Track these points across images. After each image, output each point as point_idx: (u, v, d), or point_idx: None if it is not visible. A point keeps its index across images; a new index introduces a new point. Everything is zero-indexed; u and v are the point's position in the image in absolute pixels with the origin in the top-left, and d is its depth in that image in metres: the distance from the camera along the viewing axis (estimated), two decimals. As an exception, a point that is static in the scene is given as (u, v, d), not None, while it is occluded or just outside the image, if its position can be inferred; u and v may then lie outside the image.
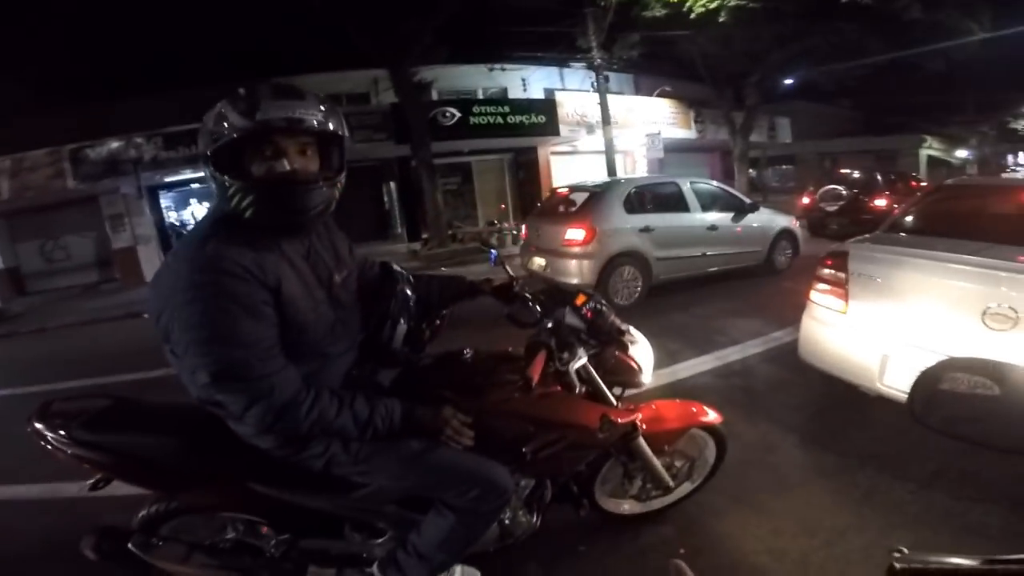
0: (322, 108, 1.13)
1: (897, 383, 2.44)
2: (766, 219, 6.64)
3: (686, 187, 6.17)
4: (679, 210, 6.01)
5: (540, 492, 1.66)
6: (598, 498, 1.90)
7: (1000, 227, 2.64)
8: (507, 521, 1.57)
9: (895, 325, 2.49)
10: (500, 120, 13.11)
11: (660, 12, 10.73)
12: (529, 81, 15.03)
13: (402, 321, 1.37)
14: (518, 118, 13.31)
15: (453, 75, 14.24)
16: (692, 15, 10.48)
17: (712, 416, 1.91)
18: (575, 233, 5.41)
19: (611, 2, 10.79)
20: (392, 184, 13.80)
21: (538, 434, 1.47)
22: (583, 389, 1.59)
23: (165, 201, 13.48)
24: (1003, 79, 17.03)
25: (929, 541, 1.86)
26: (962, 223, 2.80)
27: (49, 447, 1.26)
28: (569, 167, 14.99)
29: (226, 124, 1.07)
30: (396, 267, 1.52)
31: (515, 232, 11.93)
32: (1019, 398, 0.72)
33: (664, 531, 2.01)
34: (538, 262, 5.94)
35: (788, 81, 15.29)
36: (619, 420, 1.59)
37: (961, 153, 22.27)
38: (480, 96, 14.78)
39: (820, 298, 2.87)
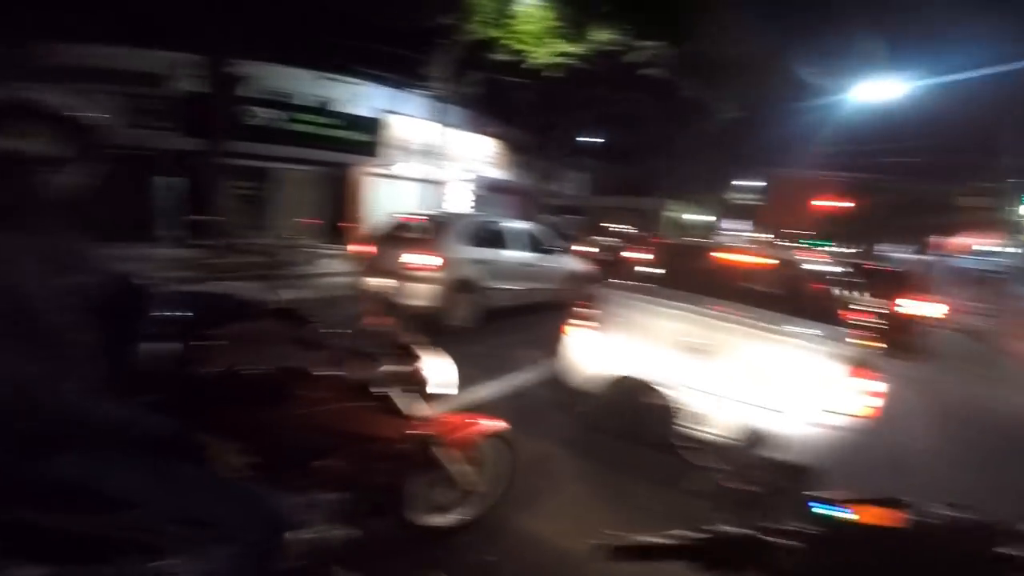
0: (70, 92, 1.10)
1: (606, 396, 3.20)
2: (569, 262, 8.10)
3: (516, 227, 7.23)
4: (508, 247, 6.88)
5: (349, 505, 1.65)
6: (409, 512, 1.96)
7: (702, 279, 3.61)
8: (314, 535, 1.53)
9: (628, 354, 3.21)
10: (320, 132, 12.46)
11: (504, 57, 11.61)
12: (360, 98, 14.58)
13: (147, 341, 1.30)
14: (341, 133, 12.80)
15: (279, 76, 12.96)
16: (529, 67, 11.58)
17: (500, 426, 2.16)
18: (428, 259, 5.78)
19: (464, 39, 11.36)
20: (166, 179, 11.67)
21: (334, 447, 1.50)
22: (382, 403, 1.67)
23: None
24: (730, 156, 22.73)
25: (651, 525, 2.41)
26: (678, 274, 3.74)
27: None
28: (384, 191, 14.81)
29: None
30: (141, 283, 1.42)
31: (316, 250, 11.24)
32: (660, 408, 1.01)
33: (472, 541, 2.16)
34: (383, 283, 6.07)
35: (589, 139, 18.09)
36: (417, 431, 1.70)
37: (692, 216, 29.07)
38: (304, 103, 13.72)
39: (576, 330, 3.51)
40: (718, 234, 27.69)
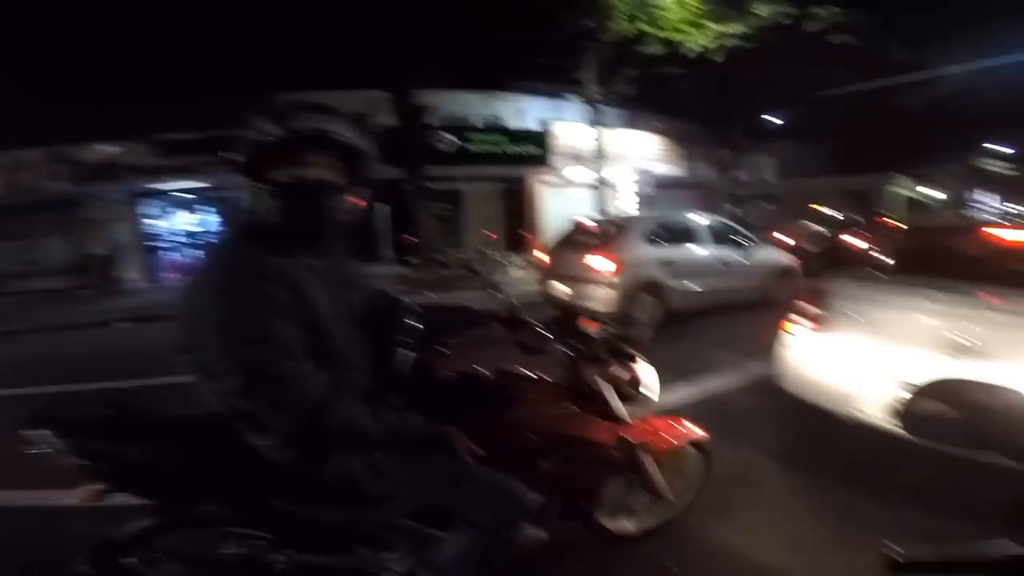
0: (348, 124, 1.22)
1: (873, 410, 2.54)
2: (769, 256, 7.09)
3: (701, 223, 6.63)
4: (694, 244, 6.41)
5: (549, 507, 1.67)
6: (600, 517, 1.94)
7: (962, 265, 2.84)
8: (514, 539, 1.56)
9: (870, 357, 2.62)
10: (495, 148, 13.33)
11: (658, 50, 11.21)
12: (524, 111, 15.38)
13: (406, 349, 1.41)
14: (512, 147, 13.56)
15: (451, 101, 14.47)
16: (690, 55, 10.96)
17: (700, 433, 2.02)
18: (602, 263, 5.72)
19: (611, 39, 11.20)
20: (384, 207, 13.86)
21: (554, 450, 1.52)
22: (595, 407, 1.67)
23: (151, 209, 13.29)
24: (973, 120, 17.83)
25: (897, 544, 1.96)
26: (930, 262, 2.98)
27: (54, 455, 1.21)
28: (558, 198, 15.21)
29: (262, 132, 1.15)
30: (402, 297, 1.57)
31: (503, 261, 12.05)
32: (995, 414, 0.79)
33: (655, 549, 2.05)
34: (561, 289, 6.20)
35: (775, 121, 16.02)
36: (631, 437, 1.66)
37: (932, 192, 23.20)
38: (477, 124, 15.05)
39: (801, 331, 3.00)
40: (970, 211, 21.68)
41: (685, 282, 6.06)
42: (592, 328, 1.71)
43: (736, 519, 2.26)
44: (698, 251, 6.34)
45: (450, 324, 1.67)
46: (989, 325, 2.30)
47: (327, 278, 1.28)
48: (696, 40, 10.70)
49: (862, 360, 2.64)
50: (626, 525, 2.04)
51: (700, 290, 6.21)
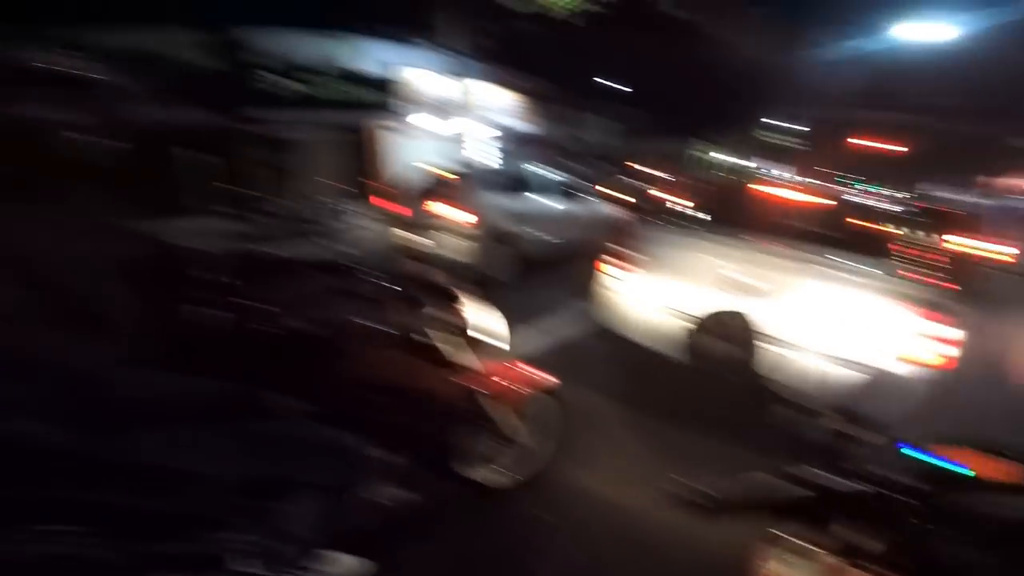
0: (87, 58, 0.99)
1: (667, 343, 3.04)
2: (603, 208, 7.85)
3: (551, 178, 7.08)
4: (541, 196, 6.77)
5: (403, 465, 1.62)
6: (463, 470, 1.93)
7: (756, 219, 3.41)
8: (381, 500, 1.51)
9: (669, 295, 3.07)
10: (336, 94, 12.30)
11: (527, 8, 11.05)
12: (372, 56, 14.10)
13: (209, 305, 1.30)
14: (356, 93, 12.58)
15: (287, 43, 12.66)
16: (558, 16, 11.01)
17: (549, 380, 2.09)
18: (462, 214, 5.75)
19: None
20: (191, 154, 11.79)
21: (396, 404, 1.47)
22: (428, 352, 1.63)
23: None
24: (757, 93, 21.42)
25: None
26: (729, 214, 3.53)
27: None
28: (403, 147, 14.56)
29: None
30: (183, 247, 1.43)
31: (347, 210, 11.29)
32: (754, 347, 0.93)
33: (527, 498, 2.14)
34: (418, 240, 6.08)
35: (616, 86, 17.23)
36: (475, 386, 1.64)
37: (725, 158, 27.88)
38: (318, 67, 13.40)
39: (615, 273, 3.36)
40: (756, 174, 26.49)
41: (534, 232, 6.40)
42: (420, 269, 1.72)
43: (596, 464, 2.48)
44: (547, 203, 6.74)
45: (270, 277, 1.53)
46: (767, 267, 2.82)
47: (77, 231, 1.08)
48: (565, 2, 10.82)
49: (661, 298, 3.07)
50: (496, 479, 2.06)
51: (547, 239, 6.64)
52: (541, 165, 8.76)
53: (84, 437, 1.10)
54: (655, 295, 3.13)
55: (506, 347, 1.85)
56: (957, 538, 0.64)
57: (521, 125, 17.34)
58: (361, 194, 13.25)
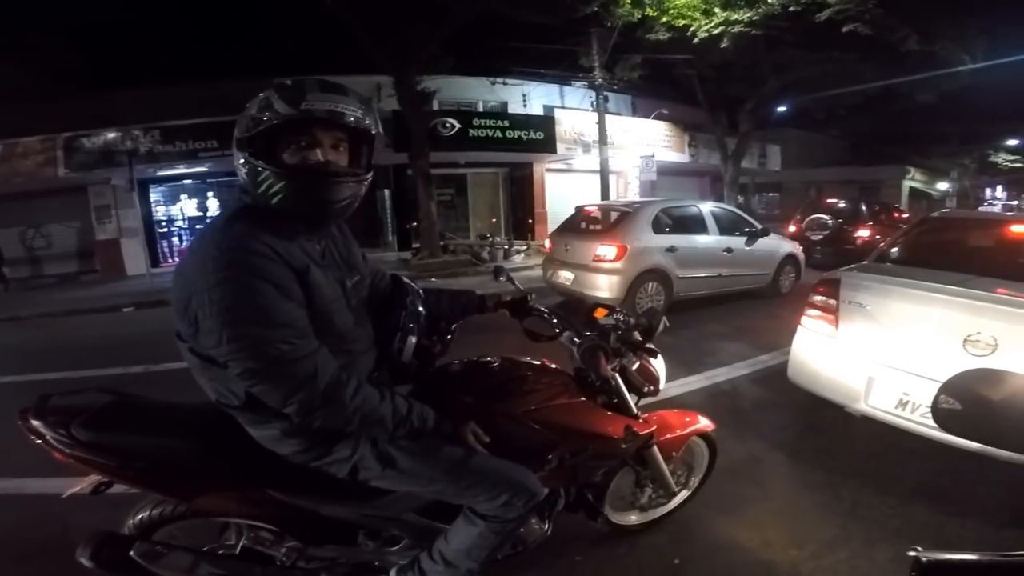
0: (362, 105, 1.15)
1: (882, 404, 2.55)
2: (774, 244, 7.00)
3: (706, 210, 6.53)
4: (700, 232, 6.32)
5: (554, 500, 1.67)
6: (608, 510, 1.92)
7: (979, 259, 2.82)
8: (521, 529, 1.55)
9: (881, 349, 2.61)
10: (498, 134, 13.21)
11: (664, 35, 11.02)
12: (529, 97, 15.25)
13: (411, 335, 1.35)
14: (516, 133, 13.44)
15: (455, 86, 14.38)
16: (695, 40, 10.78)
17: (707, 424, 2.00)
18: (607, 250, 5.66)
19: (617, 24, 11.01)
20: (386, 191, 13.81)
21: (564, 443, 1.48)
22: (605, 399, 1.64)
23: (154, 195, 13.29)
24: (986, 112, 17.53)
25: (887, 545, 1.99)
26: (945, 255, 2.95)
27: (47, 446, 1.17)
28: (562, 185, 15.15)
29: (269, 111, 1.07)
30: (407, 280, 1.51)
31: (507, 247, 11.99)
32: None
33: (658, 541, 2.05)
34: (565, 276, 6.14)
35: (781, 109, 15.80)
36: (641, 430, 1.64)
37: (942, 185, 22.97)
38: (480, 109, 14.92)
39: (811, 323, 2.98)
40: (984, 205, 21.46)
41: (689, 270, 6.02)
42: (604, 317, 1.67)
43: (741, 513, 2.25)
44: (702, 239, 6.28)
45: (455, 310, 1.63)
46: (1004, 318, 2.29)
47: (327, 261, 1.24)
48: (703, 26, 10.52)
49: (875, 354, 2.63)
50: (630, 517, 2.03)
51: (704, 277, 6.19)
52: (699, 198, 8.26)
53: (308, 446, 1.20)
54: (855, 347, 2.72)
55: (661, 389, 1.79)
56: None
57: (677, 157, 16.81)
58: (522, 231, 14.16)
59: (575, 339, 1.63)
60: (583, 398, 1.59)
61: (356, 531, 1.43)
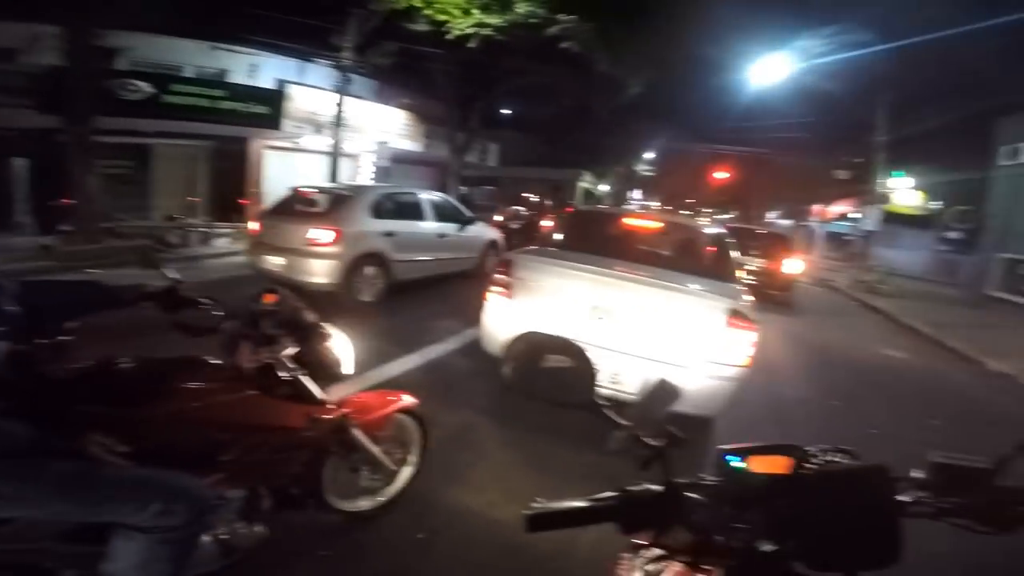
0: None
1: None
2: (480, 231, 8.01)
3: (424, 198, 6.97)
4: (417, 218, 6.68)
5: (256, 501, 1.59)
6: (331, 500, 1.89)
7: (609, 244, 3.87)
8: (225, 536, 1.47)
9: (538, 316, 3.34)
10: (206, 103, 11.35)
11: (423, 27, 11.05)
12: (260, 68, 13.36)
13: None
14: (232, 104, 11.74)
15: (159, 46, 11.63)
16: (448, 36, 11.14)
17: (410, 400, 2.13)
18: (321, 233, 5.46)
19: (382, 8, 10.71)
20: (21, 161, 10.01)
21: (235, 441, 1.41)
22: (285, 389, 1.58)
23: None
24: (636, 130, 23.54)
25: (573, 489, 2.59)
26: (586, 240, 3.95)
27: None
28: (284, 165, 13.76)
29: None
30: None
31: (205, 229, 10.28)
32: (583, 368, 1.02)
33: (400, 520, 2.14)
34: (275, 261, 5.68)
35: (505, 111, 17.88)
36: (326, 416, 1.64)
37: (604, 187, 30.18)
38: (189, 75, 12.37)
39: (493, 297, 3.57)
40: (627, 204, 29.07)
41: (407, 253, 6.34)
42: (271, 303, 1.58)
43: (465, 479, 2.53)
44: (420, 224, 6.70)
45: (72, 305, 1.39)
46: (614, 288, 3.18)
47: None
48: (462, 25, 11.01)
49: (529, 320, 3.32)
50: (363, 503, 2.06)
51: (421, 260, 6.62)
52: (428, 187, 8.78)
53: None
54: (520, 316, 3.38)
55: (351, 372, 1.82)
56: (747, 529, 0.73)
57: (412, 146, 17.32)
58: (232, 213, 12.23)
59: (236, 330, 1.53)
60: (258, 391, 1.52)
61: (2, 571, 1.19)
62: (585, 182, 26.04)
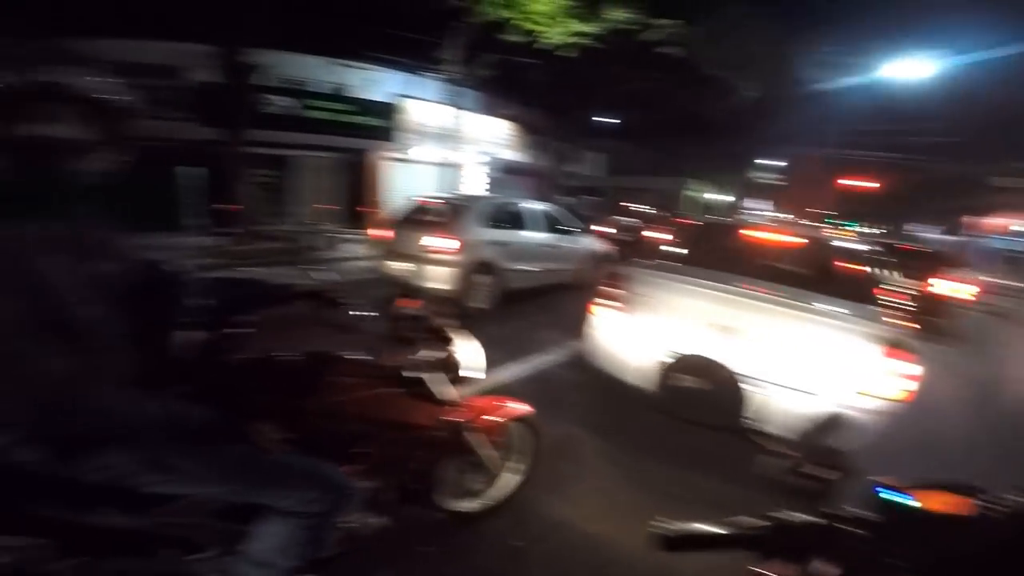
0: (97, 74, 1.05)
1: (647, 381, 3.10)
2: (590, 242, 8.04)
3: (536, 208, 7.15)
4: (529, 228, 6.84)
5: (382, 494, 1.66)
6: (440, 499, 1.96)
7: (734, 259, 3.55)
8: (352, 524, 1.54)
9: (656, 333, 3.14)
10: (337, 117, 12.49)
11: (519, 39, 11.42)
12: (375, 83, 14.59)
13: (183, 329, 1.26)
14: (357, 118, 12.82)
15: (289, 63, 13.05)
16: (547, 46, 11.37)
17: (526, 409, 2.16)
18: (442, 242, 5.77)
19: (477, 21, 11.15)
20: (194, 170, 11.86)
21: (373, 435, 1.49)
22: (416, 388, 1.66)
23: None
24: (752, 136, 21.94)
25: (686, 512, 2.44)
26: (708, 255, 3.67)
27: None
28: (401, 175, 14.81)
29: None
30: (175, 269, 1.39)
31: (337, 235, 11.34)
32: (731, 391, 0.98)
33: (500, 526, 2.17)
34: (400, 267, 6.10)
35: (611, 120, 17.71)
36: (453, 417, 1.70)
37: (718, 196, 28.39)
38: (319, 90, 13.77)
39: (603, 311, 3.43)
40: (741, 214, 27.07)
41: (518, 263, 6.48)
42: (411, 307, 1.70)
43: (566, 492, 2.50)
44: (531, 235, 6.83)
45: (248, 301, 1.52)
46: (742, 308, 2.92)
47: (67, 247, 1.07)
48: (555, 34, 11.19)
49: (646, 336, 3.14)
50: (468, 505, 2.10)
51: (531, 271, 6.72)
52: (532, 197, 8.94)
53: (54, 455, 1.09)
54: (637, 332, 3.21)
55: (482, 376, 1.90)
56: (903, 568, 0.68)
57: (516, 156, 17.74)
58: (355, 220, 13.43)
59: (380, 331, 1.64)
60: (393, 389, 1.60)
61: (152, 540, 1.29)
62: (694, 191, 24.76)
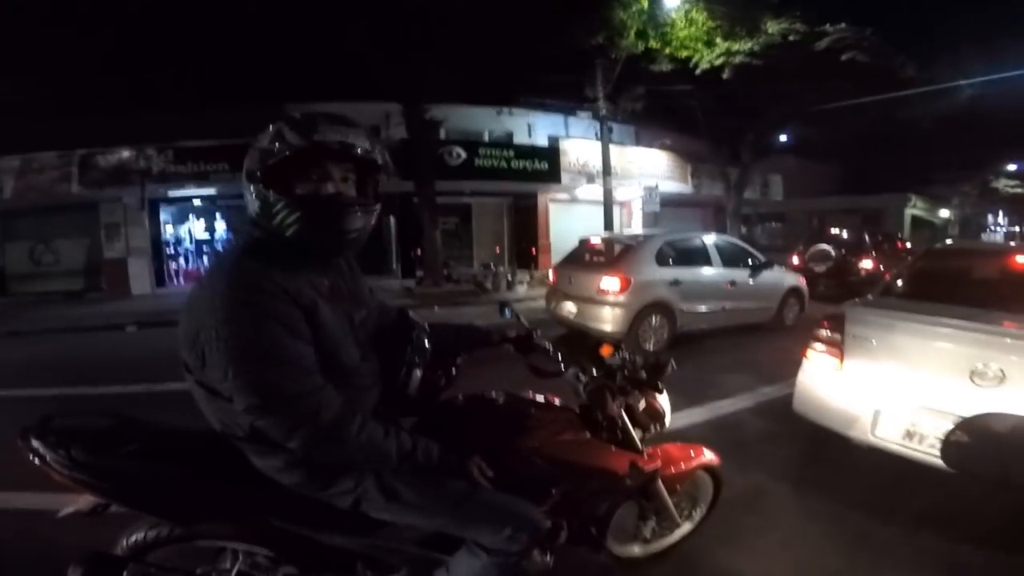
0: (369, 137, 1.19)
1: (889, 435, 2.55)
2: (777, 277, 6.95)
3: (710, 242, 6.49)
4: (703, 264, 6.28)
5: (556, 533, 1.65)
6: (612, 542, 1.90)
7: (984, 292, 2.82)
8: (523, 562, 1.54)
9: (888, 382, 2.61)
10: (504, 164, 13.41)
11: (667, 67, 11.24)
12: (534, 127, 15.51)
13: (417, 369, 1.37)
14: (521, 163, 13.64)
15: (462, 116, 14.60)
16: (697, 71, 10.99)
17: (712, 457, 2.01)
18: (610, 282, 5.61)
19: (621, 55, 11.23)
20: (392, 219, 13.94)
21: (567, 478, 1.49)
22: (610, 435, 1.65)
23: (163, 215, 13.44)
24: (985, 137, 17.43)
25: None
26: (949, 287, 2.96)
27: (46, 466, 1.16)
28: (566, 215, 15.26)
29: (281, 143, 1.11)
30: (413, 314, 1.54)
31: (509, 277, 12.02)
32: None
33: (663, 571, 2.03)
34: (568, 308, 6.11)
35: (782, 138, 15.98)
36: (646, 466, 1.65)
37: (944, 213, 22.83)
38: (486, 139, 15.10)
39: (817, 356, 2.98)
40: (985, 232, 21.26)
41: (693, 303, 5.98)
42: (610, 356, 1.70)
43: (744, 544, 2.23)
44: (706, 271, 6.26)
45: (460, 344, 1.63)
46: (1011, 351, 2.27)
47: (333, 295, 1.25)
48: (704, 57, 10.75)
49: (881, 386, 2.61)
50: (633, 550, 2.01)
51: (708, 311, 6.13)
52: (703, 229, 8.27)
53: (313, 478, 1.21)
54: (862, 381, 2.71)
55: (667, 424, 1.80)
56: None
57: (680, 187, 16.93)
58: (525, 261, 14.20)
59: (580, 376, 1.65)
60: (588, 434, 1.61)
61: (355, 559, 1.41)
62: (915, 208, 20.31)
